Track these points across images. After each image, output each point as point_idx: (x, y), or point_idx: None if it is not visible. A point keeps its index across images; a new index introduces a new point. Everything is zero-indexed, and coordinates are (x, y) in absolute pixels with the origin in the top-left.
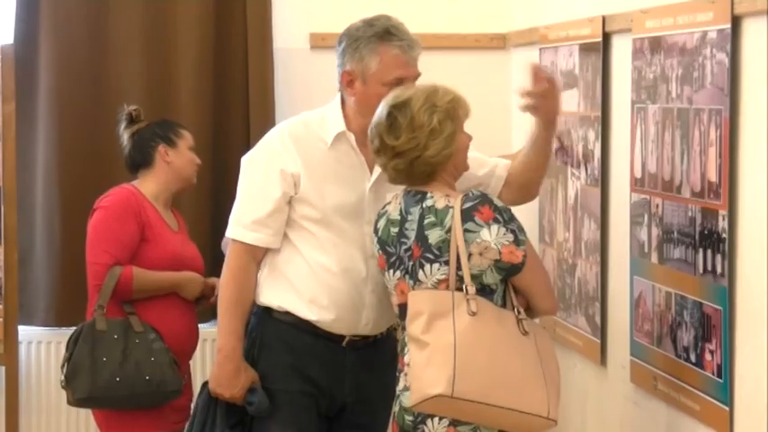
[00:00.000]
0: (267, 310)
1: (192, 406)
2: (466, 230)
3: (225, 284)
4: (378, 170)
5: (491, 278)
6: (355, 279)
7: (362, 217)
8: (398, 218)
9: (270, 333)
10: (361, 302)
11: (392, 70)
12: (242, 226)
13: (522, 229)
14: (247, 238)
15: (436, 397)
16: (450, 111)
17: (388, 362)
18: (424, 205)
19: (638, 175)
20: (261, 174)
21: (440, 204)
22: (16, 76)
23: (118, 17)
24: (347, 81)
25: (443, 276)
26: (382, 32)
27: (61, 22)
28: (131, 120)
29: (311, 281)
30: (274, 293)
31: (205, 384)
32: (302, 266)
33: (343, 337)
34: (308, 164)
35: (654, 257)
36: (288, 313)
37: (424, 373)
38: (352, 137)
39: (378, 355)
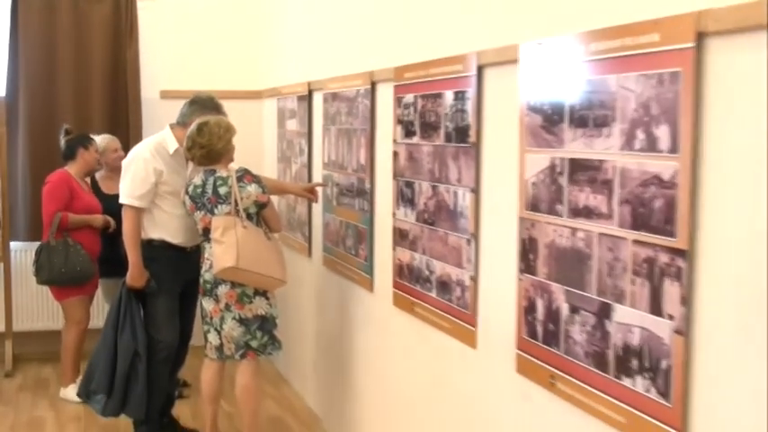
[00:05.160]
0: (150, 241)
1: (114, 301)
2: (240, 187)
3: (130, 230)
4: (191, 165)
5: (252, 209)
6: (188, 219)
7: (183, 189)
8: (201, 184)
9: (153, 252)
10: (193, 230)
11: None
12: (135, 197)
13: (265, 186)
14: (137, 203)
15: (229, 268)
16: (227, 127)
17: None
18: (215, 176)
19: (326, 160)
20: (143, 170)
21: (224, 174)
22: (7, 114)
23: (60, 75)
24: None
25: (227, 210)
26: (219, 106)
27: (29, 81)
28: (66, 133)
29: (172, 222)
30: (155, 231)
31: (123, 284)
32: (166, 216)
33: (187, 248)
34: (165, 164)
35: (335, 202)
36: (163, 241)
37: (222, 257)
38: (181, 149)
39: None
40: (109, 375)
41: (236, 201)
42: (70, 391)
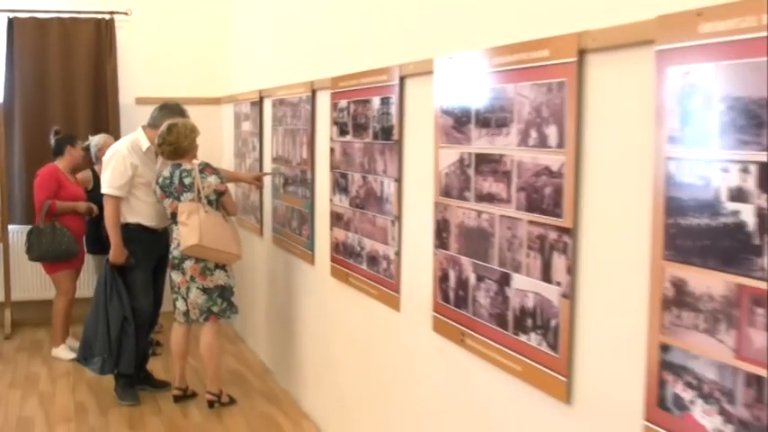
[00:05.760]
0: (127, 225)
1: (100, 276)
2: (201, 178)
3: (111, 216)
4: (160, 160)
5: (212, 196)
6: (159, 205)
7: (154, 180)
8: (169, 175)
9: (131, 234)
10: (163, 214)
11: None
12: (115, 188)
13: (223, 177)
14: (116, 193)
15: (194, 245)
16: (192, 128)
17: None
18: (181, 169)
19: (275, 155)
20: (121, 165)
21: (188, 167)
22: (4, 117)
23: (51, 84)
24: (159, 125)
25: (192, 198)
26: (184, 111)
27: (24, 89)
28: (56, 133)
29: (146, 208)
30: (132, 216)
31: (106, 262)
32: (140, 203)
33: (158, 229)
34: (139, 159)
35: (282, 191)
36: (138, 224)
37: (187, 236)
38: (152, 147)
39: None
40: (106, 340)
41: (198, 189)
42: (61, 351)
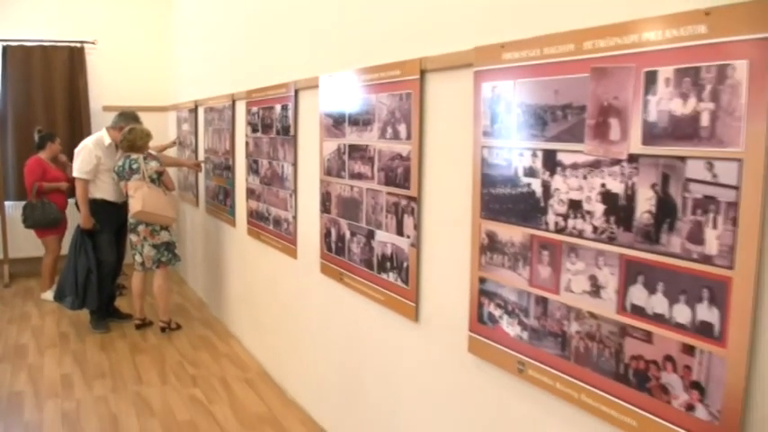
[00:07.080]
0: (94, 200)
1: (72, 238)
2: (145, 162)
3: (82, 193)
4: (119, 152)
5: (154, 176)
6: (117, 184)
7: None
8: (122, 164)
9: (97, 207)
10: (121, 192)
11: None
12: (83, 172)
13: (162, 161)
14: (84, 176)
15: (138, 211)
16: (147, 133)
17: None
18: (130, 158)
19: (206, 148)
20: (87, 155)
21: (136, 157)
22: None
23: (35, 96)
24: (120, 128)
25: (139, 178)
26: (137, 117)
27: (14, 99)
28: (38, 132)
29: (108, 187)
30: (97, 193)
31: (77, 227)
32: (104, 183)
33: (118, 203)
34: (102, 151)
35: (211, 174)
36: (103, 199)
37: (134, 205)
38: (113, 143)
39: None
40: (74, 284)
41: (143, 171)
42: (47, 294)
